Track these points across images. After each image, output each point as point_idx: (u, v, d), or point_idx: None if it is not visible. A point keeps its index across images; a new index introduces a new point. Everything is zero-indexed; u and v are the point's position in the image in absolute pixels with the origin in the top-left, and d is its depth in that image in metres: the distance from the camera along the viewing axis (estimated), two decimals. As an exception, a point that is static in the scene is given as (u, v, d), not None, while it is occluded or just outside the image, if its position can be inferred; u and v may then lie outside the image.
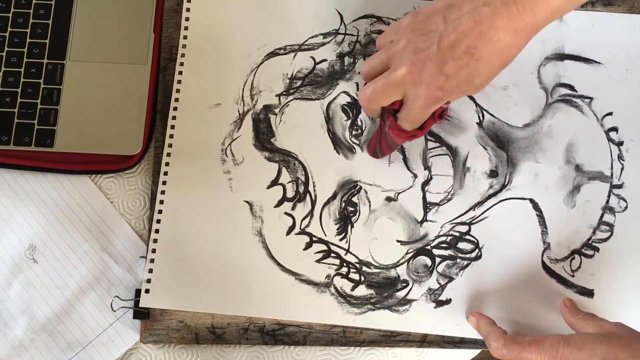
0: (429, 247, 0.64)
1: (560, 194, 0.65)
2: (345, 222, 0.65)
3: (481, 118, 0.67)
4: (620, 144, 0.66)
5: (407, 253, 0.64)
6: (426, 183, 0.65)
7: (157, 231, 0.64)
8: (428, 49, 0.52)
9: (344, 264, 0.64)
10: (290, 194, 0.65)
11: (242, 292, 0.63)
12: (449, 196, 0.65)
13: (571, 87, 0.67)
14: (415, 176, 0.65)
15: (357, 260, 0.64)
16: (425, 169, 0.66)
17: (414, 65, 0.53)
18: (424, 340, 0.63)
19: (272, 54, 0.68)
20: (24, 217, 0.65)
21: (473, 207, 0.65)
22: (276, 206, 0.65)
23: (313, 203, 0.65)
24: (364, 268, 0.64)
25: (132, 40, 0.69)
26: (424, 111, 0.55)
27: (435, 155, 0.66)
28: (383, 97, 0.56)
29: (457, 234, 0.64)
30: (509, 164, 0.66)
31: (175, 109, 0.67)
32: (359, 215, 0.65)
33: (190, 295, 0.63)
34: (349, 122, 0.67)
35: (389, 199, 0.65)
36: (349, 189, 0.65)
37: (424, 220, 0.65)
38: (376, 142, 0.63)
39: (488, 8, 0.50)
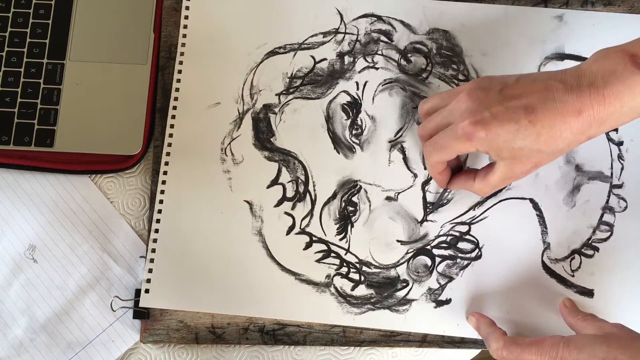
0: (429, 247, 0.64)
1: (560, 194, 0.65)
2: (345, 221, 0.65)
3: (481, 118, 0.66)
4: (620, 144, 0.66)
5: (407, 253, 0.64)
6: (426, 183, 0.65)
7: (156, 231, 0.64)
8: (489, 89, 0.53)
9: (344, 264, 0.64)
10: (290, 193, 0.65)
11: (242, 292, 0.63)
12: (449, 196, 0.65)
13: (571, 87, 0.67)
14: (415, 176, 0.65)
15: (357, 260, 0.64)
16: (425, 169, 0.65)
17: (470, 95, 0.54)
18: (424, 340, 0.63)
19: (272, 53, 0.68)
20: (24, 217, 0.65)
21: (473, 207, 0.65)
22: (276, 206, 0.65)
23: (313, 203, 0.65)
24: (364, 268, 0.64)
25: (132, 40, 0.69)
26: (452, 142, 0.55)
27: (435, 155, 0.66)
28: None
29: (457, 234, 0.64)
30: (509, 163, 0.66)
31: (174, 108, 0.67)
32: (359, 215, 0.65)
33: (190, 295, 0.63)
34: (349, 121, 0.67)
35: (389, 199, 0.65)
36: (349, 188, 0.65)
37: (424, 220, 0.65)
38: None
39: (562, 84, 0.51)
